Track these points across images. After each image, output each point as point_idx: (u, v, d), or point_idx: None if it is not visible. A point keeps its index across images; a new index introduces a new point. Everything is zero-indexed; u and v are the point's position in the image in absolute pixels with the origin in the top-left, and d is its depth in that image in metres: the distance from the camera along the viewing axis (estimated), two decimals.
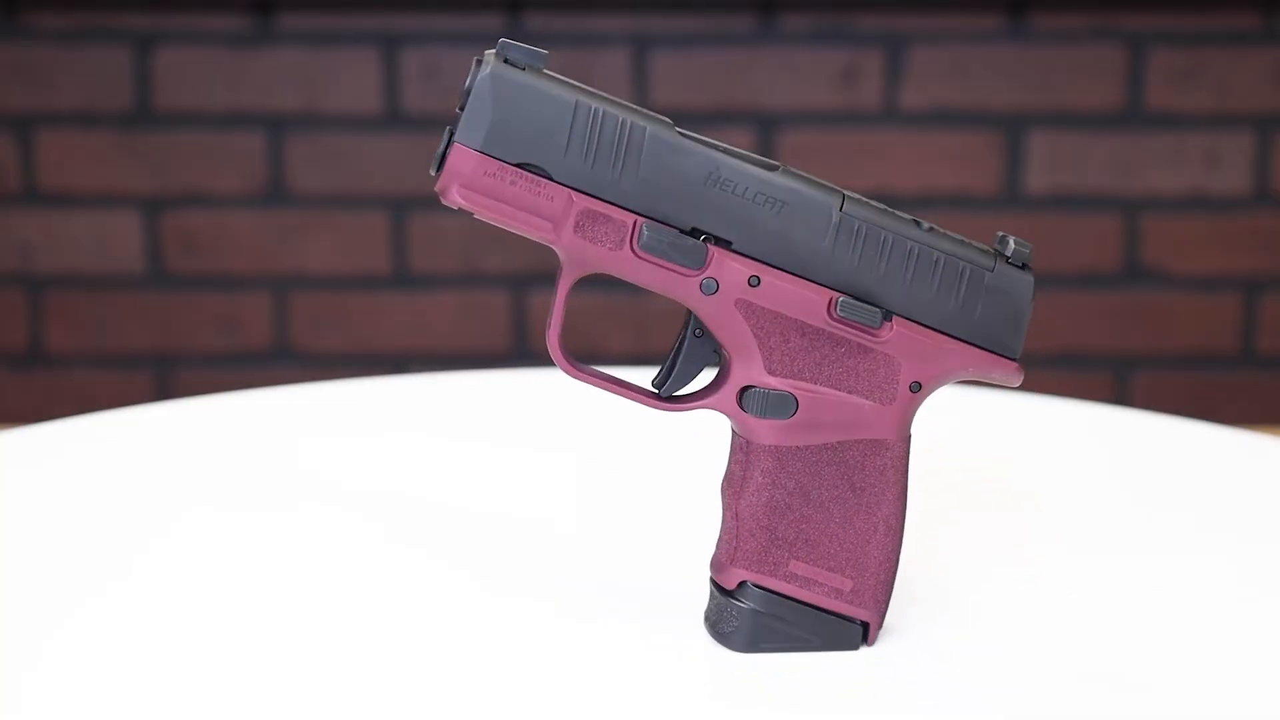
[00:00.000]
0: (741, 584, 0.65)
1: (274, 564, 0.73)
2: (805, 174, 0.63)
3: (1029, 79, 2.05)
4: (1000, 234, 0.67)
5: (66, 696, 0.60)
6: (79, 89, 2.05)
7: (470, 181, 0.60)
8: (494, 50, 0.60)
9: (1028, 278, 0.65)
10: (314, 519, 0.79)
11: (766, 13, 2.03)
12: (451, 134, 0.60)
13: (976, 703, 0.61)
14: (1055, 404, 1.02)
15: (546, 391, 1.05)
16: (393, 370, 2.15)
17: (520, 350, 2.13)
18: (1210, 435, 0.95)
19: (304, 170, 2.07)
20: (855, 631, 0.65)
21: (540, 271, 2.11)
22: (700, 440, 0.93)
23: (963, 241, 0.65)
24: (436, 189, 0.61)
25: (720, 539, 0.66)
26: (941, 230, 0.64)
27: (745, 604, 0.65)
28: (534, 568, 0.73)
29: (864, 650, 0.65)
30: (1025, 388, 2.10)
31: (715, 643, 0.65)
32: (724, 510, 0.66)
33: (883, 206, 0.63)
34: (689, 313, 0.64)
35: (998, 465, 0.90)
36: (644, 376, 0.94)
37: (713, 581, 0.66)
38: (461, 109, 0.60)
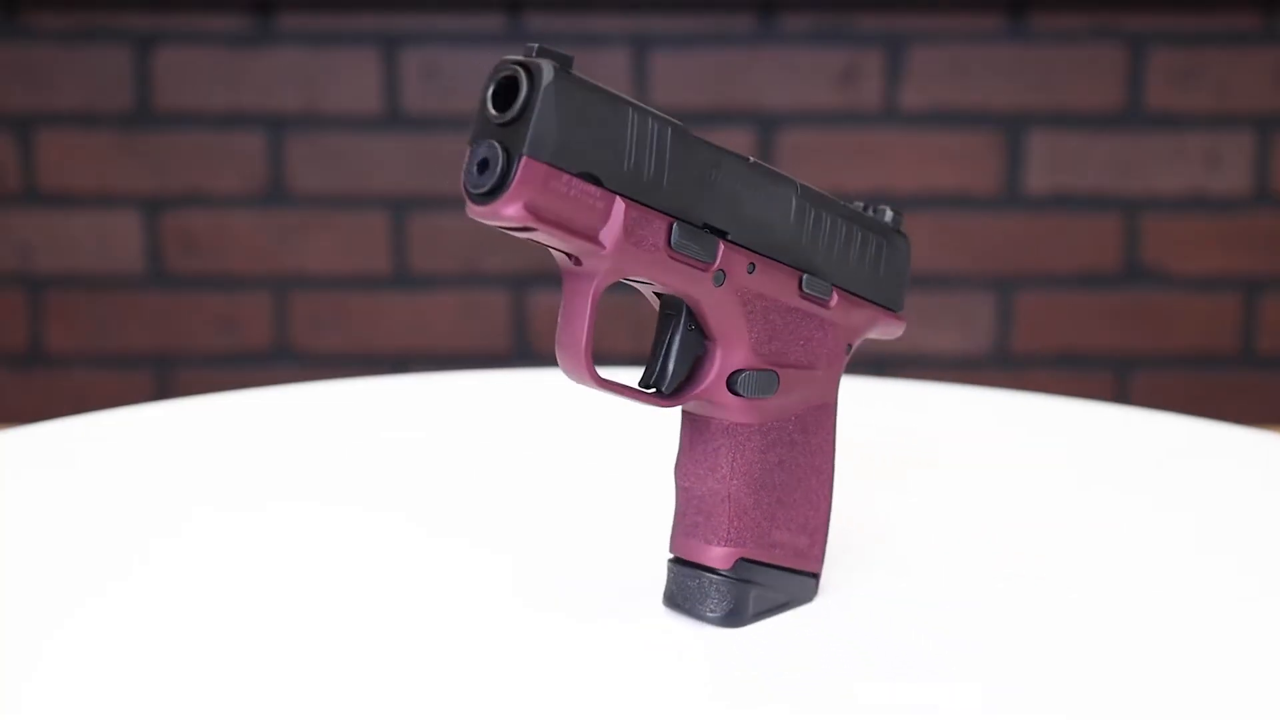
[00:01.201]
0: (736, 562, 0.66)
1: (273, 563, 0.73)
2: (764, 163, 0.65)
3: (1029, 79, 2.05)
4: (862, 202, 0.71)
5: (66, 696, 0.60)
6: (79, 89, 2.04)
7: (537, 196, 0.57)
8: (534, 54, 0.58)
9: (906, 242, 0.72)
10: (313, 519, 0.79)
11: (766, 13, 2.03)
12: (506, 149, 0.57)
13: (982, 710, 0.61)
14: (1055, 402, 1.02)
15: (546, 391, 1.05)
16: (393, 370, 2.15)
17: (520, 350, 2.13)
18: (1210, 432, 0.95)
19: (304, 170, 2.07)
20: (812, 585, 0.69)
21: (540, 272, 2.11)
22: (670, 445, 0.93)
23: (861, 213, 0.70)
24: (490, 207, 0.57)
25: (694, 523, 0.67)
26: (845, 202, 0.70)
27: (739, 579, 0.67)
28: (534, 567, 0.73)
29: (864, 649, 0.65)
30: (1025, 387, 2.10)
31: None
32: (699, 495, 0.67)
33: (816, 189, 0.66)
34: (678, 309, 0.65)
35: (995, 459, 0.90)
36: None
37: (685, 563, 0.67)
38: (510, 122, 0.56)
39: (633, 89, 2.05)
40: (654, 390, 0.66)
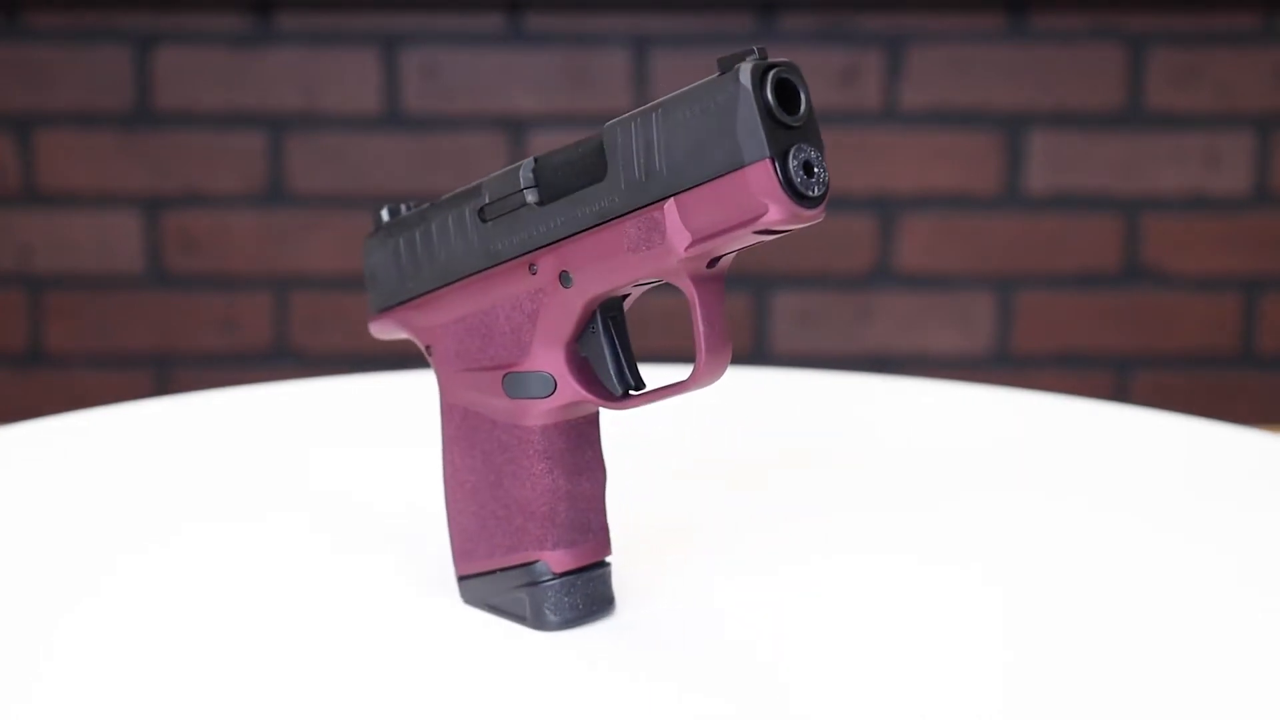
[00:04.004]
0: None
1: (270, 562, 0.73)
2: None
3: (1029, 79, 2.05)
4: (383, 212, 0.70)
5: (64, 694, 0.60)
6: (79, 89, 2.05)
7: None
8: (764, 55, 0.58)
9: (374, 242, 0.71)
10: (310, 518, 0.79)
11: (766, 13, 2.03)
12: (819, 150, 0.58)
13: (981, 709, 0.61)
14: (1055, 401, 1.02)
15: None
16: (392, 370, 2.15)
17: None
18: (1210, 432, 0.95)
19: (304, 170, 2.07)
20: None
21: None
22: (682, 440, 0.93)
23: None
24: (819, 209, 0.57)
25: (582, 525, 0.66)
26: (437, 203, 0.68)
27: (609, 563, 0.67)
28: None
29: (855, 642, 0.65)
30: (1025, 387, 2.10)
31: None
32: (586, 495, 0.66)
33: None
34: (620, 309, 0.64)
35: (994, 458, 0.89)
36: (650, 375, 0.94)
37: (585, 569, 0.66)
38: (802, 125, 0.57)
39: (633, 89, 2.05)
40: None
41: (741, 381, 1.05)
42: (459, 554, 0.68)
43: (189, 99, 2.05)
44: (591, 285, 0.62)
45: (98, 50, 2.03)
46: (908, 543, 0.76)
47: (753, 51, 0.57)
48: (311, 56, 2.04)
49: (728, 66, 0.58)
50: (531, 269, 0.63)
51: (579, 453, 0.66)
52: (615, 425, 0.95)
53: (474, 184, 0.64)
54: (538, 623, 0.65)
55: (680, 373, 1.03)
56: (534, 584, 0.65)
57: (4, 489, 0.84)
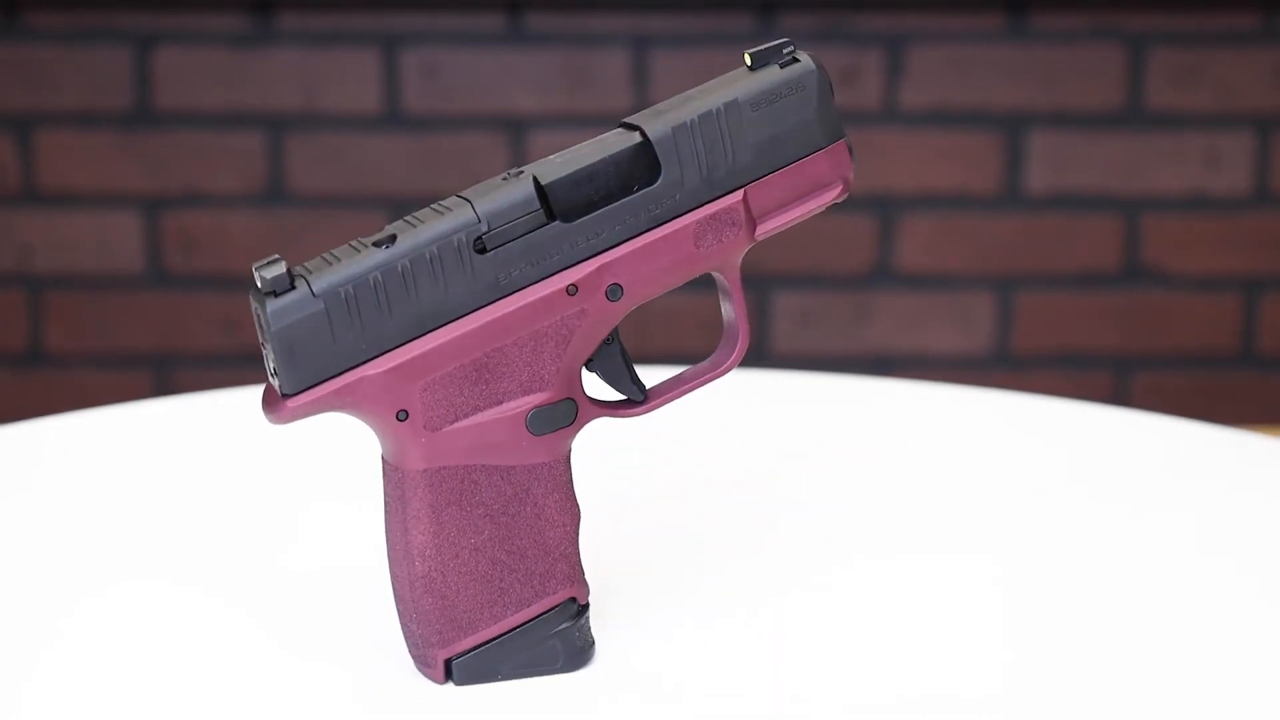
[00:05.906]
0: None
1: (270, 563, 0.73)
2: None
3: (1029, 79, 2.05)
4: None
5: (61, 695, 0.60)
6: (79, 89, 2.05)
7: None
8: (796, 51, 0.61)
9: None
10: (311, 519, 0.79)
11: (766, 13, 2.03)
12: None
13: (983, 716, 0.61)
14: (1054, 404, 1.02)
15: None
16: None
17: None
18: (1208, 436, 0.95)
19: (304, 170, 2.07)
20: None
21: None
22: (683, 442, 0.93)
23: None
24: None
25: (578, 555, 0.63)
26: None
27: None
28: None
29: (854, 645, 0.65)
30: (1025, 387, 2.10)
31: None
32: (573, 538, 0.63)
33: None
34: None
35: (994, 461, 0.89)
36: (649, 375, 0.94)
37: (587, 607, 0.64)
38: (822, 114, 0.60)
39: (633, 89, 2.05)
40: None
41: (742, 382, 1.05)
42: (448, 633, 0.60)
43: (189, 99, 2.05)
44: (644, 292, 0.60)
45: (98, 50, 2.03)
46: (907, 544, 0.76)
47: (788, 43, 0.60)
48: (311, 56, 2.04)
49: (763, 60, 0.60)
50: (570, 290, 0.58)
51: (570, 483, 0.64)
52: (615, 428, 0.95)
53: (439, 209, 0.58)
54: (575, 662, 0.61)
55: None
56: (571, 622, 0.61)
57: (4, 489, 0.84)
